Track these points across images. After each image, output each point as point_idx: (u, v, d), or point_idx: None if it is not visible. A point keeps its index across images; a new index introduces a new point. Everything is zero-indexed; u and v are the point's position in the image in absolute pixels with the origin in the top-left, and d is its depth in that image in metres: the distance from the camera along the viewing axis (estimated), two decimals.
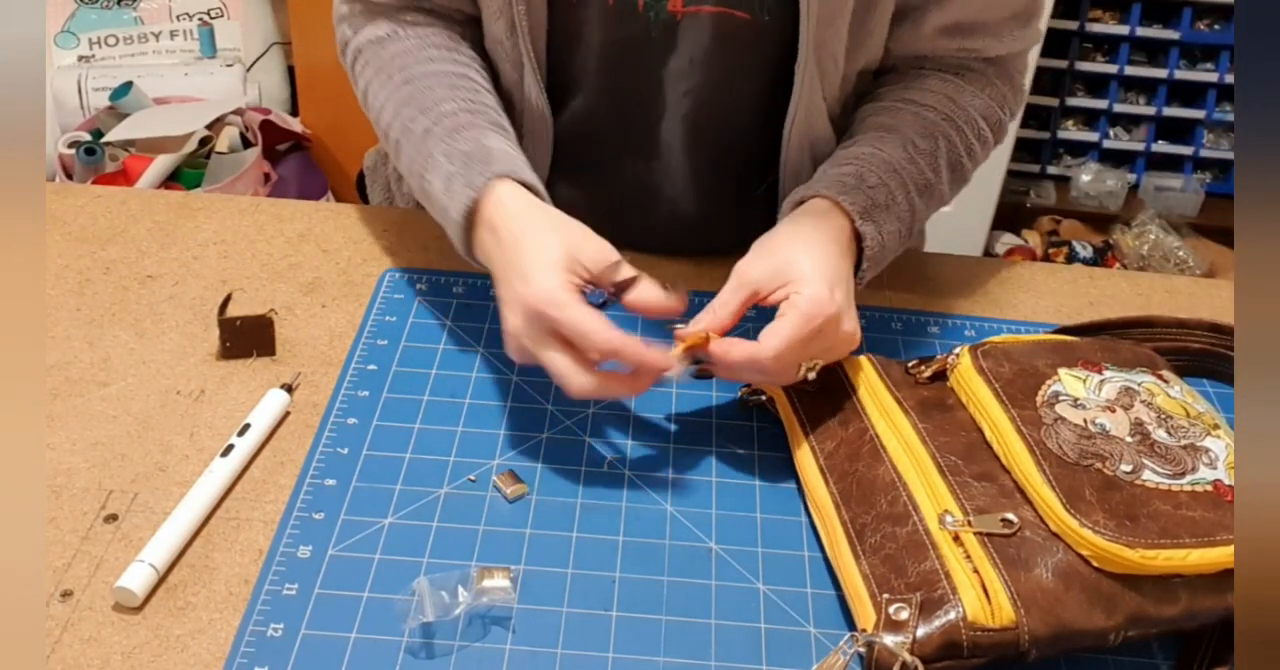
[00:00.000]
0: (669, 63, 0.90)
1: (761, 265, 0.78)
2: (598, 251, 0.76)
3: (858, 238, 0.83)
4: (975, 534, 0.68)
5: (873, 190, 0.84)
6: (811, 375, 0.77)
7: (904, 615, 0.65)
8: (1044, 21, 0.97)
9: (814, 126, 0.93)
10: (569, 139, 0.96)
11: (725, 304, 0.77)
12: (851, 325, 0.78)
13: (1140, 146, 2.74)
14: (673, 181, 0.96)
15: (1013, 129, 2.44)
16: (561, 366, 0.73)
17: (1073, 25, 2.61)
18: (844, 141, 0.91)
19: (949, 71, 0.94)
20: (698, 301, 0.80)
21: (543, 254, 0.75)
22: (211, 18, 2.44)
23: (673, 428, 0.83)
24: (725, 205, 0.98)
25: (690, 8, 0.87)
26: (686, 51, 0.89)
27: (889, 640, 0.64)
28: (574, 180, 0.98)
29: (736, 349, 0.75)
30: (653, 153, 0.96)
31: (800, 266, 0.77)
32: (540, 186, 0.82)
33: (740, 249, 0.88)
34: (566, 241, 0.76)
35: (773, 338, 0.75)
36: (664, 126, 0.94)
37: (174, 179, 2.14)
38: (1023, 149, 2.77)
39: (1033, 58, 1.01)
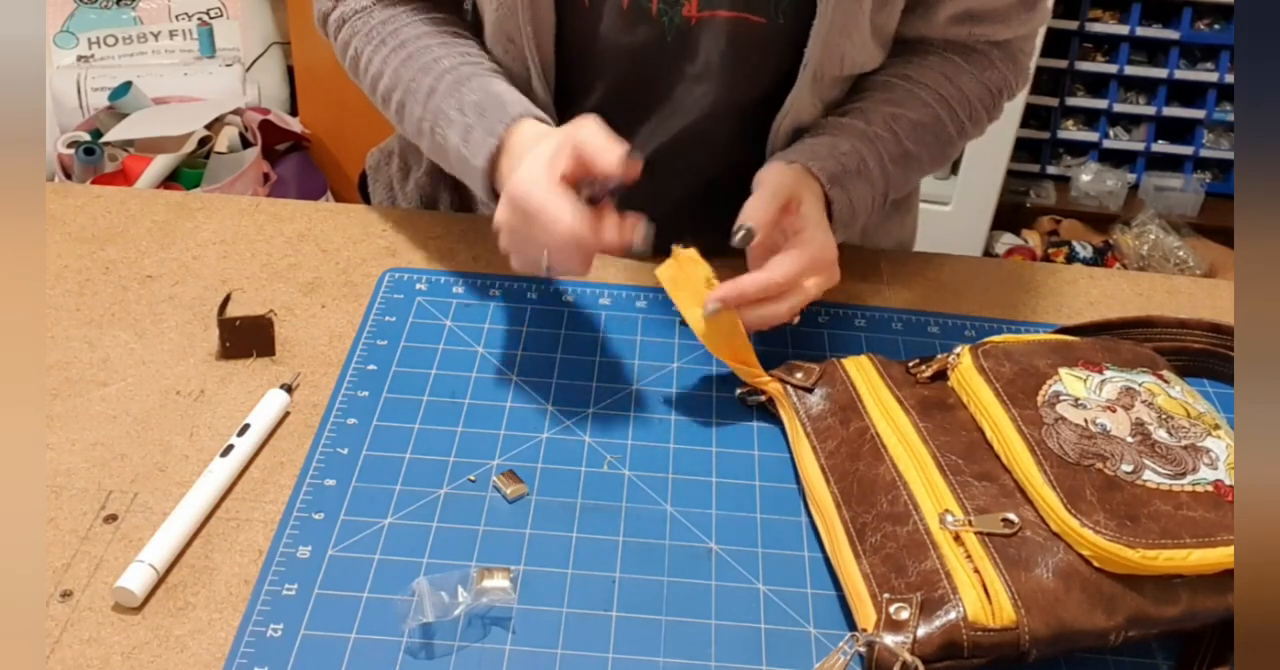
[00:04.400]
0: (683, 67, 0.90)
1: (784, 177, 0.84)
2: (598, 136, 0.77)
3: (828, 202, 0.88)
4: (976, 534, 0.68)
5: (844, 157, 0.88)
6: (795, 320, 0.83)
7: (904, 615, 0.65)
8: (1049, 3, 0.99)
9: (802, 120, 0.94)
10: None
11: (764, 209, 0.82)
12: (838, 273, 0.84)
13: (1140, 146, 2.74)
14: (671, 180, 0.96)
15: (1012, 129, 2.45)
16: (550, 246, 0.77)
17: (1073, 25, 2.61)
18: (836, 111, 0.95)
19: (952, 51, 0.96)
20: None
21: (537, 152, 0.79)
22: (211, 17, 2.44)
23: (673, 428, 0.83)
24: (720, 203, 0.98)
25: (705, 12, 0.87)
26: (701, 56, 0.89)
27: (889, 640, 0.64)
28: None
29: (748, 278, 0.80)
30: (656, 153, 0.95)
31: (809, 212, 0.83)
32: (553, 124, 0.85)
33: (731, 247, 0.88)
34: (565, 134, 0.78)
35: (786, 263, 0.81)
36: (671, 128, 0.94)
37: (173, 179, 2.14)
38: (1023, 149, 2.77)
39: (1033, 57, 1.02)
